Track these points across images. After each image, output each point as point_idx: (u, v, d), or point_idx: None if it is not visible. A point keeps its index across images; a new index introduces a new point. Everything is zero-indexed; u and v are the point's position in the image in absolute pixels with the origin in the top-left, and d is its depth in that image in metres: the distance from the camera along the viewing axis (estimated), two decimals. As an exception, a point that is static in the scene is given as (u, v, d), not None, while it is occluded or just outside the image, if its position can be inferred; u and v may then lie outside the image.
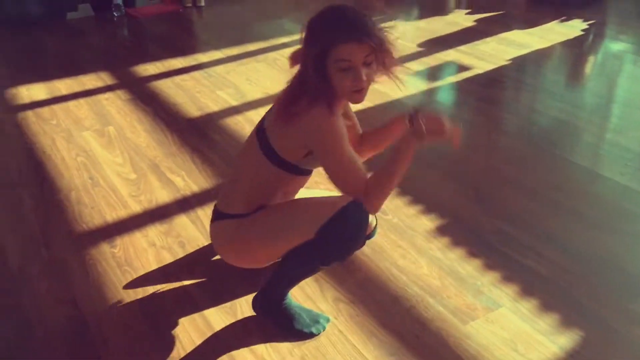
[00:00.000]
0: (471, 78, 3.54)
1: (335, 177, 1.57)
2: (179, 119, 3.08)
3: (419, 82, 3.48)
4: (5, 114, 3.18)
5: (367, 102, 3.17)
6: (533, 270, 1.97)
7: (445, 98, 3.37)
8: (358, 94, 1.52)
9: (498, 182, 2.49)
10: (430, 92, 3.37)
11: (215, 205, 1.76)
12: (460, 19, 4.57)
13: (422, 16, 4.91)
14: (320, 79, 1.49)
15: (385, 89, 3.37)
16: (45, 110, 3.20)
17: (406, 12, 5.01)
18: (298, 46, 1.57)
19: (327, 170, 1.57)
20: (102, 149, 2.79)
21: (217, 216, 1.73)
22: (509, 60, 3.77)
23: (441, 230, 2.17)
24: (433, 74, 3.63)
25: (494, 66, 3.67)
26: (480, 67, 3.66)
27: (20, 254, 2.08)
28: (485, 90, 3.38)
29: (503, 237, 2.13)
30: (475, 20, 4.54)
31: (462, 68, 3.68)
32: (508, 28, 4.33)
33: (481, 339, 1.70)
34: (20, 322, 1.78)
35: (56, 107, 3.24)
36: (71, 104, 3.28)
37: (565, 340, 1.69)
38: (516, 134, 2.99)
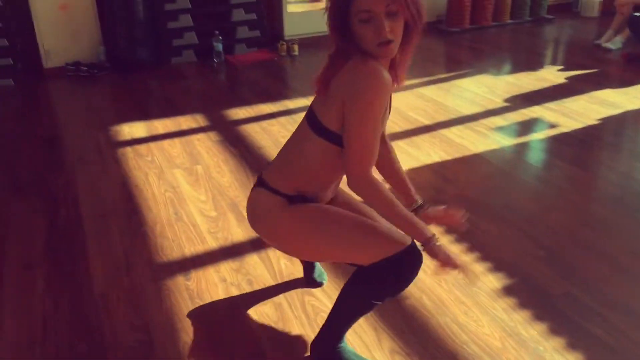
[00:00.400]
0: (556, 136, 3.47)
1: (350, 142, 1.51)
2: (262, 161, 3.24)
3: (502, 137, 3.46)
4: (109, 148, 3.47)
5: (445, 154, 3.21)
6: (600, 340, 1.89)
7: (527, 155, 3.32)
8: (384, 46, 1.47)
9: (573, 244, 2.42)
10: (513, 148, 3.34)
11: (260, 175, 1.76)
12: (551, 76, 4.51)
13: (512, 71, 4.89)
14: (346, 38, 1.49)
15: (465, 142, 3.38)
16: (142, 147, 3.47)
17: (496, 67, 5.00)
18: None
19: (347, 130, 1.51)
20: (189, 186, 2.98)
21: (260, 184, 1.73)
22: (599, 119, 3.67)
23: (507, 290, 2.14)
24: (517, 130, 3.60)
25: (581, 125, 3.58)
26: (567, 125, 3.58)
27: (104, 279, 2.26)
28: (569, 150, 3.30)
29: (572, 301, 2.07)
30: (566, 78, 4.46)
31: (548, 125, 3.62)
32: (600, 86, 4.22)
33: (537, 406, 1.65)
34: (96, 343, 1.93)
35: (152, 145, 3.50)
36: (166, 142, 3.54)
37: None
38: (599, 196, 2.89)
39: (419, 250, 1.58)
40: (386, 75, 1.48)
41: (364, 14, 1.45)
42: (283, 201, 1.66)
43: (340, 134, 1.55)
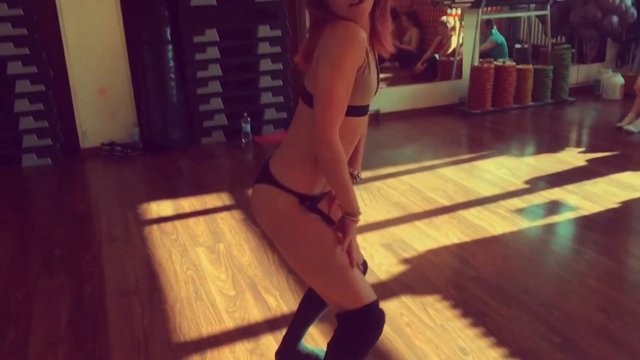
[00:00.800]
0: (577, 219, 3.48)
1: (317, 97, 1.52)
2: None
3: (521, 219, 3.48)
4: (136, 226, 3.60)
5: (463, 236, 3.23)
6: None
7: (547, 238, 3.33)
8: (356, 7, 1.51)
9: (590, 332, 2.39)
10: (532, 231, 3.35)
11: (267, 166, 1.73)
12: (572, 158, 4.55)
13: (533, 153, 4.95)
14: (321, 8, 1.55)
15: (484, 224, 3.41)
16: (168, 225, 3.59)
17: (517, 149, 5.08)
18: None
19: (316, 86, 1.52)
20: (210, 264, 3.06)
21: (266, 178, 1.69)
22: (618, 203, 3.67)
23: (521, 378, 2.11)
24: (537, 212, 3.62)
25: (602, 209, 3.59)
26: (588, 208, 3.59)
27: (123, 357, 2.31)
28: (590, 234, 3.30)
29: (588, 392, 2.03)
30: (587, 160, 4.49)
31: (569, 208, 3.63)
32: (621, 169, 4.23)
33: None
34: (110, 421, 1.96)
35: (178, 223, 3.62)
36: (191, 220, 3.65)
37: None
38: (619, 283, 2.86)
39: (381, 309, 1.68)
40: (360, 32, 1.51)
41: None
42: (297, 202, 1.67)
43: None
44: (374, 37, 1.65)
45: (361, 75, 1.55)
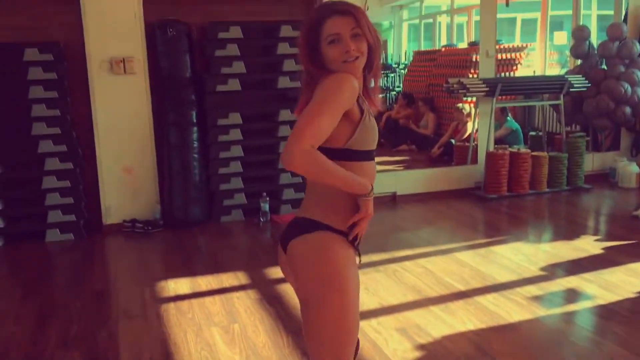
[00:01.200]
0: (594, 309, 3.45)
1: (300, 118, 1.58)
2: (296, 322, 3.31)
3: (538, 307, 3.45)
4: (153, 303, 3.64)
5: (479, 323, 3.21)
6: None
7: (564, 328, 3.29)
8: (350, 64, 1.66)
9: None
10: (549, 320, 3.32)
11: (299, 220, 1.76)
12: (589, 246, 4.55)
13: (549, 240, 4.95)
14: (316, 64, 1.68)
15: (500, 311, 3.39)
16: (184, 304, 3.62)
17: (533, 235, 5.09)
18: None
19: (303, 112, 1.60)
20: (224, 345, 3.06)
21: (310, 226, 1.70)
22: (637, 293, 3.64)
23: None
24: (554, 300, 3.59)
25: (619, 298, 3.55)
26: (605, 298, 3.56)
27: None
28: (607, 324, 3.26)
29: None
30: (603, 248, 4.48)
31: (586, 297, 3.61)
32: (638, 259, 4.21)
33: None
34: None
35: (194, 302, 3.65)
36: (207, 299, 3.68)
37: None
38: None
39: None
40: (353, 78, 1.63)
41: (333, 37, 1.66)
42: (346, 241, 1.73)
43: (338, 147, 1.67)
44: (365, 93, 1.79)
45: (367, 121, 1.70)
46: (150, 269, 4.38)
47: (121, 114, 5.17)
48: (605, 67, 6.47)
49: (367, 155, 1.75)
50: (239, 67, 5.35)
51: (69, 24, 5.05)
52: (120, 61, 5.08)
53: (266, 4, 5.66)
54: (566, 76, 6.49)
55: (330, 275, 1.67)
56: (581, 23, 7.53)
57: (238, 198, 5.50)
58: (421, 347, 3.01)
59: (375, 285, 3.83)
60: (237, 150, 5.41)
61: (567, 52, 7.95)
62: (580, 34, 6.62)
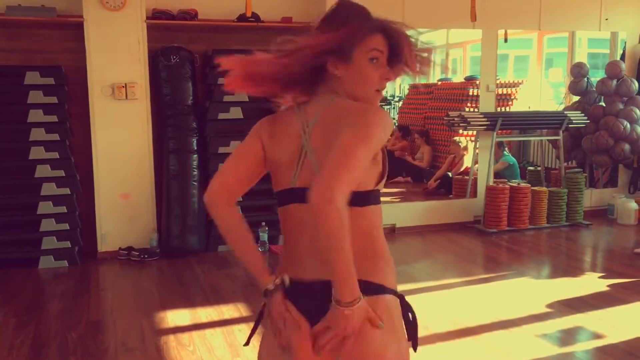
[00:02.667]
0: (603, 348, 3.38)
1: (332, 154, 1.30)
2: (302, 358, 3.22)
3: (546, 345, 3.39)
4: (152, 336, 3.52)
5: (489, 363, 3.13)
6: None
7: (575, 366, 3.23)
8: (379, 95, 1.46)
9: None
10: (557, 358, 3.26)
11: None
12: (592, 283, 4.51)
13: (551, 276, 4.91)
14: (319, 68, 1.42)
15: (508, 348, 3.32)
16: (185, 336, 3.51)
17: (536, 270, 5.04)
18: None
19: (333, 147, 1.32)
20: (228, 381, 2.96)
21: (369, 289, 1.40)
22: (646, 332, 3.59)
23: None
24: (560, 337, 3.53)
25: (628, 337, 3.50)
26: (613, 336, 3.51)
27: None
28: (619, 364, 3.21)
29: None
30: (608, 285, 4.44)
31: (593, 335, 3.55)
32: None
33: None
34: None
35: (195, 334, 3.54)
36: (208, 331, 3.57)
37: None
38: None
39: None
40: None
41: (376, 52, 1.42)
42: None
43: (368, 189, 1.42)
44: None
45: (383, 155, 1.46)
46: (148, 299, 4.27)
47: (121, 140, 5.11)
48: (604, 104, 6.52)
49: (379, 197, 1.50)
50: (242, 95, 5.33)
51: (72, 48, 5.02)
52: (122, 86, 5.03)
53: (268, 34, 5.67)
54: (565, 112, 6.54)
55: (405, 350, 1.46)
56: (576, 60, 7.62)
57: (236, 227, 5.41)
58: (431, 385, 2.93)
59: (380, 319, 3.74)
60: (236, 179, 5.35)
61: (563, 89, 8.03)
62: (578, 70, 6.70)
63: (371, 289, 1.40)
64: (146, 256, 5.07)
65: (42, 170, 4.81)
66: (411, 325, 1.48)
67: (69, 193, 4.88)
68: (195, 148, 5.24)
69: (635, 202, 6.36)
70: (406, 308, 1.48)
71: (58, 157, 4.84)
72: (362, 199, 1.42)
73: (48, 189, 4.82)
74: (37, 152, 4.80)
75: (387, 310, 1.41)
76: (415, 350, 1.50)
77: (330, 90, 1.46)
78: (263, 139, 1.53)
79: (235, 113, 5.30)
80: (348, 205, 1.34)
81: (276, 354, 1.51)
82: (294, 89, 1.49)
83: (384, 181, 1.47)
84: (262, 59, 1.46)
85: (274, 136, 1.52)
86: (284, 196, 1.51)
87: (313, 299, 1.43)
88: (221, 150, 5.28)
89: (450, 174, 7.39)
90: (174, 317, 3.81)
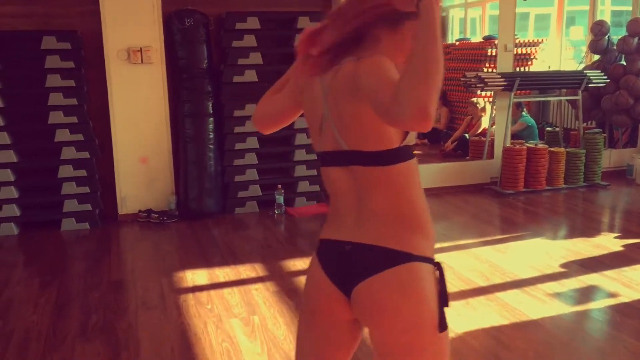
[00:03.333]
0: (616, 306, 3.40)
1: (380, 97, 1.24)
2: (317, 316, 3.29)
3: (560, 304, 3.42)
4: (171, 294, 3.62)
5: (501, 319, 3.18)
6: None
7: (587, 325, 3.26)
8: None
9: None
10: (571, 317, 3.29)
11: (368, 249, 1.40)
12: (608, 243, 4.50)
13: (567, 236, 4.91)
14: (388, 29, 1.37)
15: (522, 307, 3.35)
16: (203, 295, 3.60)
17: (552, 231, 5.04)
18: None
19: (376, 109, 1.26)
20: (245, 337, 3.04)
21: (395, 258, 1.37)
22: (660, 291, 3.60)
23: None
24: (574, 297, 3.56)
25: (641, 296, 3.52)
26: (628, 295, 3.52)
27: None
28: (631, 322, 3.22)
29: None
30: (623, 246, 4.44)
31: (608, 295, 3.57)
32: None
33: None
34: None
35: (213, 293, 3.63)
36: (226, 291, 3.66)
37: None
38: (666, 373, 2.77)
39: None
40: None
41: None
42: (433, 270, 1.42)
43: (394, 147, 1.37)
44: None
45: None
46: (167, 259, 4.37)
47: (137, 104, 5.15)
48: (625, 63, 6.39)
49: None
50: (256, 58, 5.32)
51: (87, 12, 5.03)
52: (138, 50, 5.05)
53: (283, -6, 5.63)
54: (585, 71, 6.42)
55: (431, 320, 1.38)
56: (598, 18, 7.45)
57: (253, 190, 5.48)
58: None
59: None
60: (252, 142, 5.39)
61: (584, 47, 7.87)
62: (599, 29, 6.55)
63: (398, 257, 1.37)
64: (165, 218, 5.16)
65: (62, 135, 4.88)
66: (443, 293, 1.43)
67: (88, 157, 4.96)
68: (211, 111, 5.26)
69: (655, 162, 6.28)
70: (442, 276, 1.44)
71: (77, 121, 4.90)
72: (390, 157, 1.38)
73: (68, 152, 4.90)
74: (55, 117, 4.86)
75: (415, 278, 1.38)
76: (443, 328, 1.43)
77: (353, 54, 1.40)
78: (300, 90, 1.53)
79: (250, 76, 5.29)
80: (374, 166, 1.38)
81: (306, 320, 1.56)
82: (336, 54, 1.42)
83: (410, 136, 1.40)
84: (329, 30, 1.41)
85: (304, 94, 1.51)
86: (319, 157, 1.51)
87: (341, 259, 1.44)
88: (236, 113, 5.30)
89: (467, 135, 7.35)
90: (193, 276, 3.90)
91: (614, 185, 6.26)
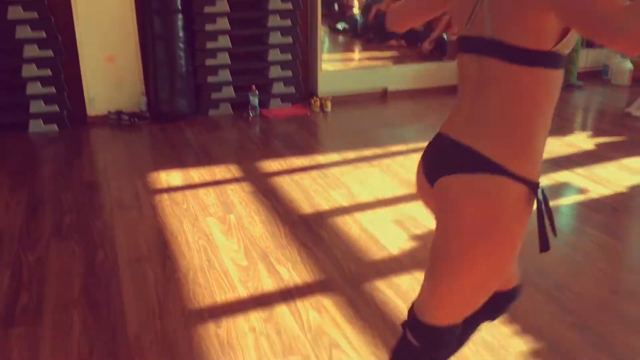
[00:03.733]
0: (586, 202, 3.49)
1: (588, 16, 1.15)
2: (292, 213, 3.31)
3: (530, 200, 3.49)
4: (146, 195, 3.60)
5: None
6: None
7: (556, 220, 3.33)
8: None
9: (602, 313, 2.41)
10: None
11: (464, 150, 1.34)
12: (580, 142, 4.55)
13: (541, 135, 4.94)
14: None
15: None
16: (178, 195, 3.58)
17: (525, 130, 5.06)
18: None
19: (577, 15, 1.17)
20: (221, 235, 3.06)
21: (484, 166, 1.30)
22: (628, 187, 3.68)
23: (534, 354, 2.14)
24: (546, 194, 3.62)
25: (611, 192, 3.60)
26: (597, 191, 3.60)
27: (138, 322, 2.33)
28: (599, 217, 3.32)
29: (600, 370, 2.06)
30: (595, 144, 4.50)
31: (577, 191, 3.64)
32: (630, 154, 4.24)
33: None
34: (128, 384, 1.98)
35: (188, 193, 3.61)
36: (201, 191, 3.65)
37: None
38: (629, 265, 2.89)
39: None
40: None
41: None
42: (527, 192, 1.33)
43: (544, 49, 1.25)
44: None
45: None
46: (140, 161, 4.31)
47: (101, -1, 4.88)
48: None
49: (562, 60, 1.32)
50: (225, -52, 5.02)
51: None
52: (98, -61, 4.71)
53: None
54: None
55: (493, 239, 1.33)
56: None
57: (226, 91, 5.35)
58: (417, 237, 3.04)
59: (370, 179, 3.82)
60: (224, 41, 5.19)
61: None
62: None
63: (491, 167, 1.30)
64: (136, 120, 5.04)
65: (22, 31, 4.63)
66: (543, 220, 1.38)
67: (52, 55, 4.74)
68: (180, 7, 5.01)
69: (631, 61, 6.26)
70: (547, 201, 1.37)
71: (37, 16, 4.64)
72: (534, 58, 1.26)
73: (30, 50, 4.67)
74: (15, 13, 4.58)
75: (497, 193, 1.31)
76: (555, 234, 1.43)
77: None
78: None
79: (220, -31, 5.02)
80: (513, 63, 1.27)
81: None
82: None
83: (565, 42, 1.27)
84: None
85: None
86: (458, 42, 1.43)
87: (437, 150, 1.45)
88: (207, 9, 5.07)
89: (445, 36, 7.19)
90: (167, 177, 3.87)
91: (589, 85, 6.26)
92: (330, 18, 8.12)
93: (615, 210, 3.40)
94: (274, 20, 5.30)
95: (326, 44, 7.63)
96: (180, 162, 4.18)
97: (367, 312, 2.39)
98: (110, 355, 2.13)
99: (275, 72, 5.45)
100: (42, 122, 4.84)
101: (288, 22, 5.36)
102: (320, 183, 3.71)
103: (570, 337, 2.25)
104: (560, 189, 3.70)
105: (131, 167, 4.14)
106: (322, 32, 5.97)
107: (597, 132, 4.86)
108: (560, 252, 2.92)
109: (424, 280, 1.46)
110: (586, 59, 6.54)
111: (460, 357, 2.10)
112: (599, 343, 2.21)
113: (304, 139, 4.84)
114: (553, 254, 2.91)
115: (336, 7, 8.47)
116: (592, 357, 2.12)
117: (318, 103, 5.51)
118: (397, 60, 6.94)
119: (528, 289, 2.55)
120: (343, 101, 5.70)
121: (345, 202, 3.44)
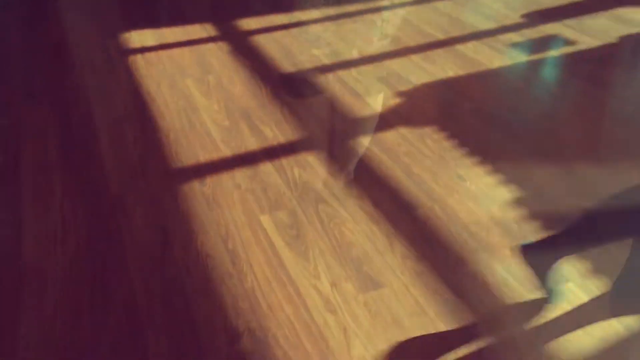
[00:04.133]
0: (574, 54, 3.40)
1: None
2: (274, 72, 3.20)
3: (518, 53, 3.39)
4: (118, 55, 3.42)
5: (459, 70, 3.16)
6: (609, 252, 1.94)
7: (544, 72, 3.27)
8: None
9: (588, 161, 2.43)
10: (529, 65, 3.29)
11: None
12: (571, -8, 4.37)
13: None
14: None
15: (480, 58, 3.32)
16: (152, 56, 3.41)
17: (514, -18, 4.84)
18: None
19: None
20: (201, 95, 2.96)
21: None
22: (618, 38, 3.58)
23: (519, 202, 2.17)
24: (534, 46, 3.52)
25: (600, 43, 3.51)
26: (586, 43, 3.51)
27: (120, 183, 2.29)
28: (586, 67, 3.25)
29: (584, 216, 2.10)
30: (587, -6, 4.32)
31: (566, 42, 3.54)
32: (621, 4, 4.09)
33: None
34: (115, 241, 1.98)
35: (162, 53, 3.44)
36: (176, 51, 3.48)
37: (633, 320, 1.68)
38: (615, 114, 2.87)
39: None
40: None
41: None
42: None
43: None
44: None
45: None
46: (109, 21, 4.06)
47: None
48: None
49: None
50: None
51: None
52: None
53: None
54: None
55: None
56: None
57: (196, -57, 4.95)
58: (402, 94, 2.97)
59: (352, 36, 3.66)
60: None
61: None
62: None
63: None
64: (101, -23, 4.69)
65: None
66: None
67: None
68: None
69: None
70: None
71: None
72: None
73: None
74: None
75: None
76: None
77: None
78: None
79: None
80: None
81: None
82: None
83: None
84: None
85: None
86: None
87: None
88: None
89: None
90: (139, 37, 3.66)
91: None
92: None
93: (603, 61, 3.33)
94: None
95: None
96: (152, 22, 3.95)
97: (352, 168, 2.38)
98: (95, 216, 2.11)
99: None
100: (-2, -20, 4.48)
101: None
102: (302, 41, 3.55)
103: (556, 184, 2.27)
104: (548, 42, 3.58)
105: (99, 26, 3.91)
106: None
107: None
108: (547, 103, 2.89)
109: None
110: None
111: (446, 207, 2.13)
112: (584, 189, 2.24)
113: (282, -5, 4.57)
114: (539, 105, 2.89)
115: None
116: (577, 204, 2.16)
117: (296, -44, 5.15)
118: None
119: (513, 138, 2.54)
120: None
121: (327, 60, 3.32)
